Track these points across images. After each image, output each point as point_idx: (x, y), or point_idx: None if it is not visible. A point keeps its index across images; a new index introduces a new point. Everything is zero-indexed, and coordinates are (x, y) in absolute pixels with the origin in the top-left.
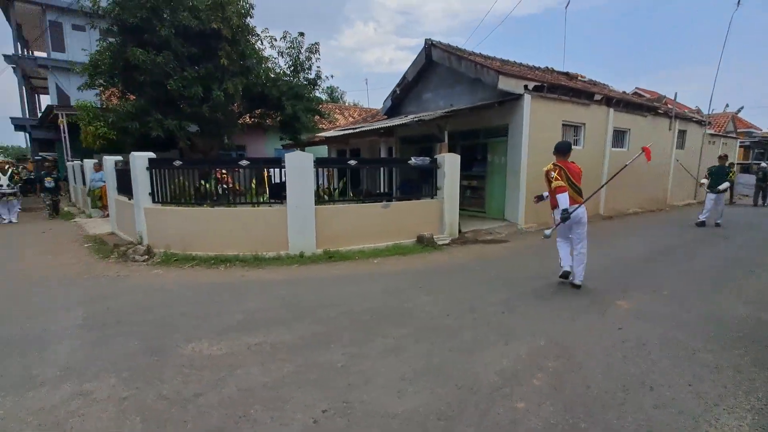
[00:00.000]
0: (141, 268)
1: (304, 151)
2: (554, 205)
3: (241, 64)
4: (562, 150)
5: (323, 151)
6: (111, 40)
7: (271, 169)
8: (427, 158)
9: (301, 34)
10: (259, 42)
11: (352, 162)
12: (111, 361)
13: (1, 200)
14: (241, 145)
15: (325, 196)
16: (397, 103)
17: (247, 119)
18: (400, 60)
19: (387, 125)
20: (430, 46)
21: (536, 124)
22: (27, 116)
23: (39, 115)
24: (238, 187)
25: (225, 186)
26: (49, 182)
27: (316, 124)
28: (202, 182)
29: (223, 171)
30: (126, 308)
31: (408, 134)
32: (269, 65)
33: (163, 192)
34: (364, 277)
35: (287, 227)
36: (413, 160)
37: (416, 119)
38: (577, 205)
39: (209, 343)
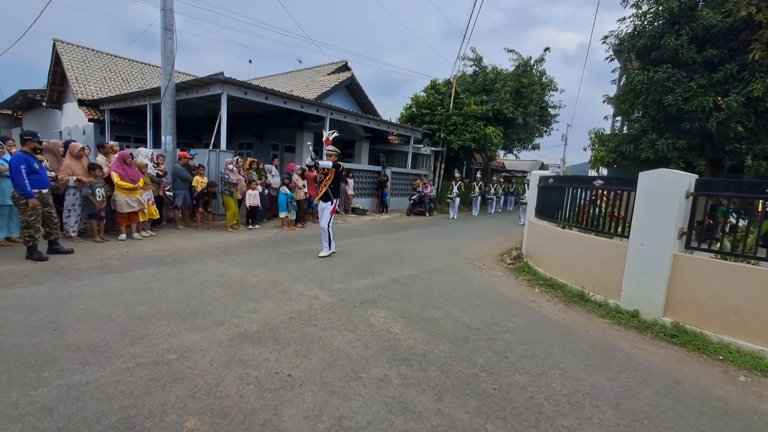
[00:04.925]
0: (500, 269)
1: None
2: None
3: None
4: None
5: None
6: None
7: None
8: None
9: None
10: None
11: None
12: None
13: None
14: None
15: (723, 244)
16: None
17: None
18: None
19: None
20: None
21: None
22: None
23: None
24: (617, 213)
25: (602, 209)
26: None
27: None
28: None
29: (604, 192)
30: (422, 285)
31: None
32: None
33: (541, 207)
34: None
35: (624, 269)
36: None
37: None
38: None
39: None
